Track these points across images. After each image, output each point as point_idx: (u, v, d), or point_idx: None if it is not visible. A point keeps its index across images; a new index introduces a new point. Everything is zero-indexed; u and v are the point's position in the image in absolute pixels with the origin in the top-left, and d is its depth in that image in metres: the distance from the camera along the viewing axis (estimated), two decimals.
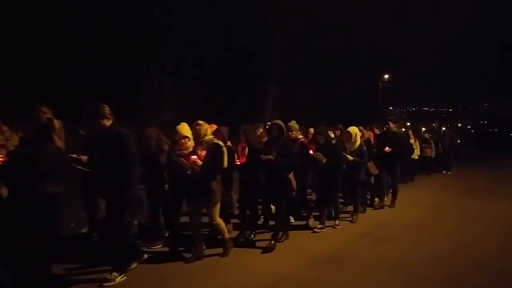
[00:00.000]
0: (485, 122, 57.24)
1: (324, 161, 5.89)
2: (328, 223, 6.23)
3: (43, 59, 10.84)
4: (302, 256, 4.94)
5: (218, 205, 4.75)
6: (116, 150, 3.92)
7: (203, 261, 4.67)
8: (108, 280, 3.95)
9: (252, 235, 5.63)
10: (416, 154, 11.93)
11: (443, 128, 27.04)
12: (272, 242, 5.19)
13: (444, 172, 13.95)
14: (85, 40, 11.47)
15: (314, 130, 6.73)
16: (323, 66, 17.23)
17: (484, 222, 6.97)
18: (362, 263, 4.79)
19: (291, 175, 5.26)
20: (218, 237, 4.91)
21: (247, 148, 5.55)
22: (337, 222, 6.37)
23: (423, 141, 12.29)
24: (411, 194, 9.70)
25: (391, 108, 37.94)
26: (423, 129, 24.51)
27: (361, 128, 7.04)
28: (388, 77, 26.57)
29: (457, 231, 6.37)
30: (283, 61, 15.65)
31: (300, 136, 6.39)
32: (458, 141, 23.79)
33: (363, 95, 22.42)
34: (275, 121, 5.33)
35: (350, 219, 6.78)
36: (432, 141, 12.69)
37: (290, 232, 5.71)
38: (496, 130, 53.86)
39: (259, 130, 5.73)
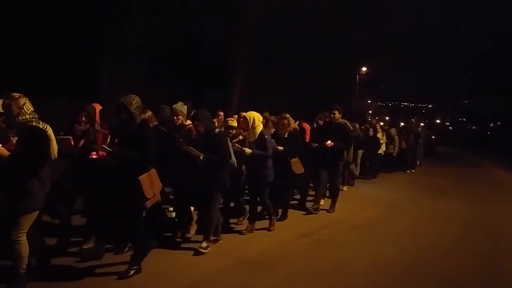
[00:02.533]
0: (464, 119, 58.07)
1: (201, 157, 4.48)
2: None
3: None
4: (227, 258, 4.48)
5: (34, 215, 3.33)
6: None
7: (104, 263, 4.11)
8: None
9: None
10: (382, 150, 11.65)
11: (421, 124, 27.17)
12: (132, 269, 3.83)
13: (408, 171, 13.51)
14: (42, 16, 10.65)
15: (192, 115, 4.95)
16: (296, 55, 16.65)
17: (435, 225, 6.69)
18: (292, 267, 4.41)
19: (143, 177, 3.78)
20: (18, 264, 3.30)
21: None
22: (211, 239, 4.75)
23: (387, 137, 11.93)
24: (368, 191, 9.43)
25: (369, 101, 37.87)
26: (402, 124, 24.57)
27: (287, 116, 5.87)
28: (366, 69, 26.25)
29: (405, 234, 6.06)
30: (253, 47, 14.96)
31: (188, 122, 4.95)
32: (433, 137, 24.00)
33: (339, 87, 22.00)
34: (120, 99, 3.80)
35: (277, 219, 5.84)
36: (396, 138, 12.32)
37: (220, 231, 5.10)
38: (474, 128, 54.78)
39: (147, 113, 4.73)
